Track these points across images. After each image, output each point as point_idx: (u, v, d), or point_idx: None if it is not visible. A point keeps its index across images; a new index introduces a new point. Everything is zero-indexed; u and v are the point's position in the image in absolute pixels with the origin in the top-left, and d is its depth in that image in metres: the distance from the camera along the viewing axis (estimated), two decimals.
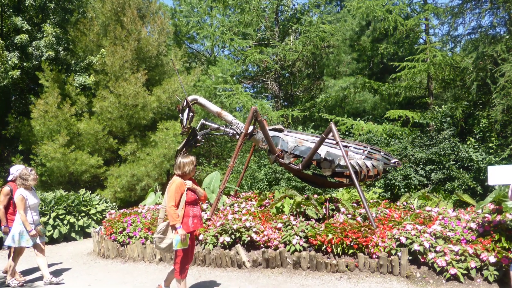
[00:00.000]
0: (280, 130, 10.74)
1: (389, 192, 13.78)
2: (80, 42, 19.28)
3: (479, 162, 12.99)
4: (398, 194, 13.36)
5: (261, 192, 13.41)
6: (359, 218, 9.25)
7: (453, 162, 13.49)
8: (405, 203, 10.76)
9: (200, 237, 9.32)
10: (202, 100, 10.70)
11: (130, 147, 17.87)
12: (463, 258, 7.05)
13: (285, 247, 8.69)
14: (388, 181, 13.70)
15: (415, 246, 7.39)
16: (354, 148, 10.08)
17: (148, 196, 13.25)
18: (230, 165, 10.07)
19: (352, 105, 21.54)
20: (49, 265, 9.77)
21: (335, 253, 8.15)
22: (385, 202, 10.91)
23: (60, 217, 13.05)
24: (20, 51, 18.26)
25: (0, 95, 18.63)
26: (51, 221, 12.77)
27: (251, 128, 10.45)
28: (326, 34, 19.87)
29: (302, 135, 10.53)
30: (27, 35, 17.93)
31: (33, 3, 18.56)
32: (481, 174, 12.82)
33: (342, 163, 9.70)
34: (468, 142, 14.17)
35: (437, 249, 7.31)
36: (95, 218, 13.91)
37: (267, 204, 11.07)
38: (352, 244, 8.00)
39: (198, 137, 10.65)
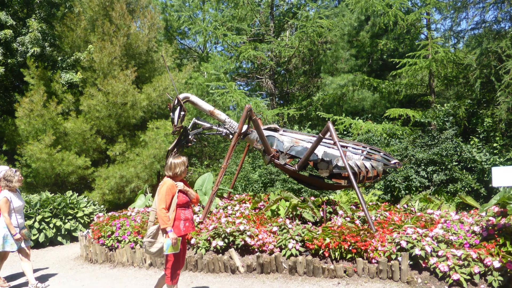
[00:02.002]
0: (275, 130, 10.73)
1: (389, 194, 13.80)
2: (67, 38, 19.20)
3: (483, 163, 13.01)
4: (399, 196, 13.37)
5: (256, 194, 13.42)
6: (357, 222, 9.25)
7: (456, 163, 13.50)
8: (405, 206, 10.75)
9: (192, 241, 9.30)
10: (194, 98, 10.68)
11: (119, 147, 17.82)
12: (466, 263, 7.05)
13: (280, 251, 8.68)
14: (388, 182, 13.71)
15: (416, 251, 7.39)
16: (353, 148, 10.08)
17: (138, 198, 13.22)
18: (223, 166, 10.06)
19: (351, 104, 21.56)
20: (35, 270, 9.75)
21: (333, 258, 8.15)
22: (385, 204, 10.91)
23: (46, 220, 13.00)
24: (4, 47, 18.18)
25: None
26: (36, 225, 12.71)
27: (245, 127, 10.45)
28: (323, 30, 19.89)
29: (299, 135, 10.53)
30: (11, 31, 17.85)
31: None
32: (485, 175, 12.83)
33: (340, 164, 9.70)
34: (472, 142, 14.19)
35: (439, 253, 7.31)
36: (82, 221, 13.87)
37: (262, 207, 11.06)
38: (350, 248, 8.00)
39: (189, 136, 10.64)
